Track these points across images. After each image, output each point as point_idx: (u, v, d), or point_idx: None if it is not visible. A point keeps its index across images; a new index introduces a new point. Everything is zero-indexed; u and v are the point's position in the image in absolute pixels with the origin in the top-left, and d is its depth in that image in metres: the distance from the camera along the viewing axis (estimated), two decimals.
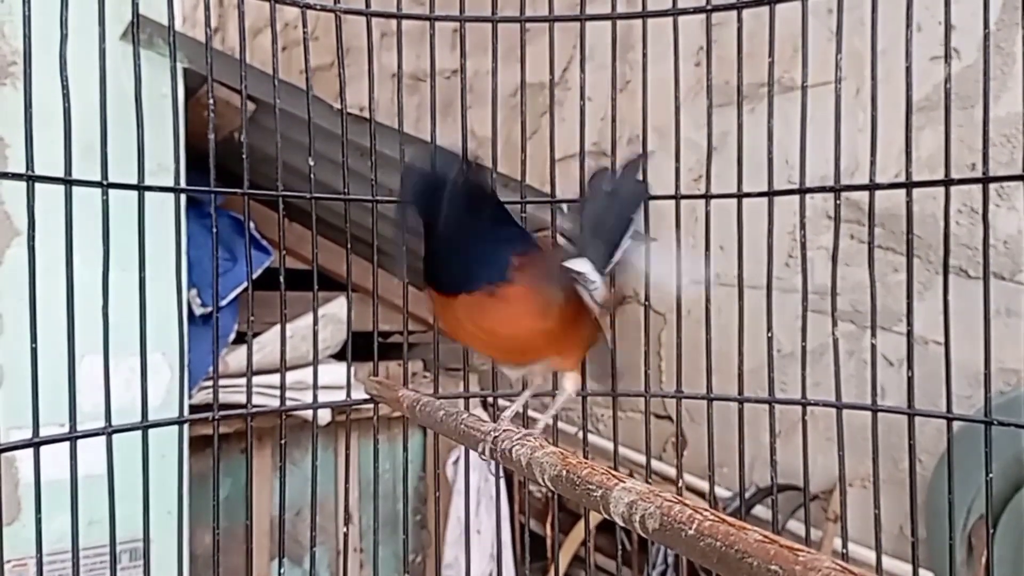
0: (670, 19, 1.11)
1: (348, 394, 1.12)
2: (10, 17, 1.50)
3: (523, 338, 0.79)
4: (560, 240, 1.13)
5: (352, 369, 1.15)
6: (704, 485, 2.05)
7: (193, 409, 1.82)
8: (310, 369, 1.14)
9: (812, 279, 1.08)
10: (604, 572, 2.24)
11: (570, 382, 0.86)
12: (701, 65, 1.14)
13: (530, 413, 1.17)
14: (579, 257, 0.84)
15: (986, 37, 0.93)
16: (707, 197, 1.11)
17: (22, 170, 0.84)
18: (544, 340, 0.80)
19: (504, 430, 0.81)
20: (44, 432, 0.88)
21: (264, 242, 2.11)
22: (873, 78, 1.00)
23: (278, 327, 1.10)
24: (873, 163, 1.00)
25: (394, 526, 2.21)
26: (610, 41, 1.12)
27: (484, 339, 0.81)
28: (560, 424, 1.15)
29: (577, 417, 2.36)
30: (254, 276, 1.12)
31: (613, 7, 1.13)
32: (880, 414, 1.02)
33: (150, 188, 0.95)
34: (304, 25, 1.07)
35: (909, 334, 0.99)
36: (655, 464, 1.55)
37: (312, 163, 1.08)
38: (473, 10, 1.13)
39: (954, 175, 0.95)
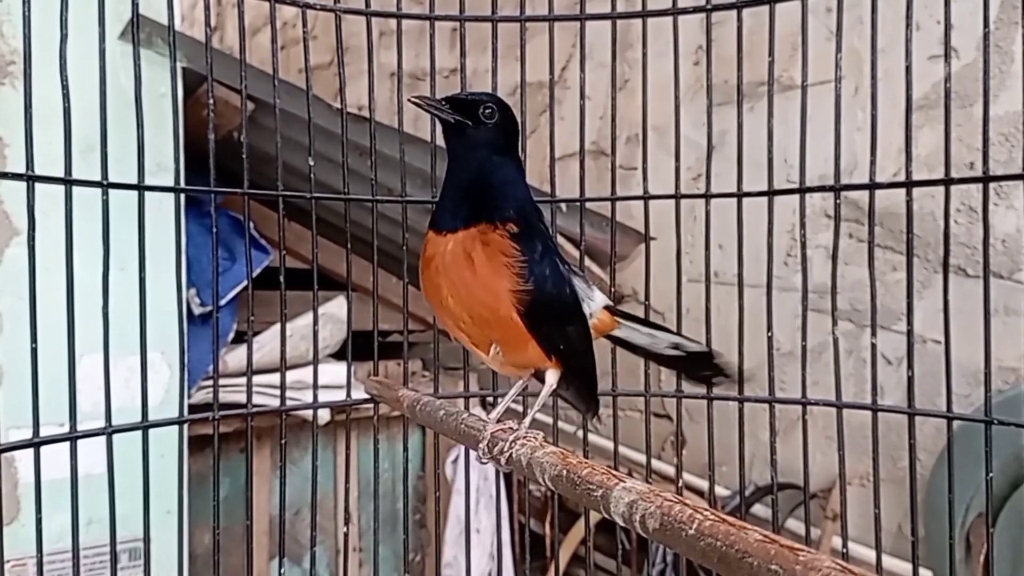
0: (669, 18, 1.11)
1: (348, 394, 1.12)
2: (9, 17, 1.49)
3: (492, 298, 0.78)
4: (560, 239, 1.14)
5: (352, 368, 1.15)
6: (703, 484, 2.06)
7: (192, 409, 1.82)
8: (309, 368, 1.14)
9: (811, 278, 1.08)
10: (603, 571, 2.24)
11: (553, 375, 0.85)
12: (700, 64, 1.15)
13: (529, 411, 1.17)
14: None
15: (986, 36, 0.93)
16: (707, 197, 1.11)
17: (21, 169, 0.84)
18: (509, 306, 0.78)
19: (494, 430, 0.80)
20: (43, 431, 0.88)
21: (263, 241, 2.11)
22: (873, 77, 1.00)
23: (277, 326, 1.10)
24: (873, 162, 1.00)
25: (393, 525, 2.21)
26: (610, 40, 1.12)
27: (457, 293, 0.81)
28: (560, 423, 1.15)
29: (576, 416, 2.36)
30: (253, 275, 1.12)
31: (613, 7, 1.13)
32: (879, 413, 1.02)
33: (150, 188, 0.95)
34: (304, 24, 1.07)
35: (909, 333, 0.99)
36: (654, 463, 1.55)
37: (312, 163, 1.08)
38: (473, 10, 1.13)
39: (953, 174, 0.95)
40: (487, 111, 0.82)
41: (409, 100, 0.85)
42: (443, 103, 0.83)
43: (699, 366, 0.97)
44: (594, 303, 0.87)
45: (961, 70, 1.73)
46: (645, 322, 0.94)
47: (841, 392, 1.05)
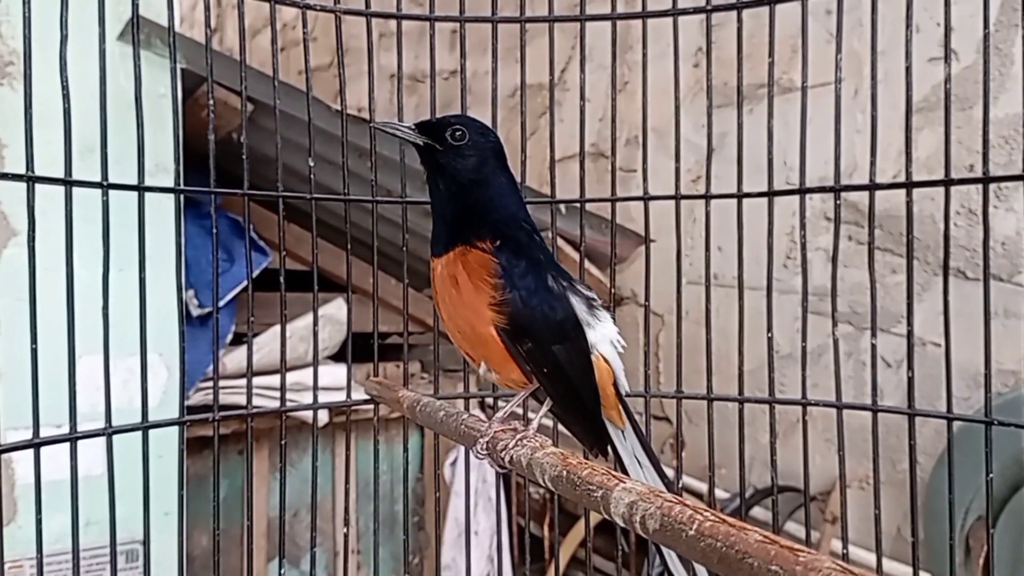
0: (669, 19, 1.11)
1: (348, 395, 1.12)
2: (8, 17, 1.49)
3: (473, 315, 0.78)
4: (560, 242, 1.13)
5: (351, 370, 1.15)
6: (702, 486, 2.05)
7: (189, 411, 1.82)
8: (308, 370, 1.14)
9: (810, 280, 1.08)
10: (603, 573, 2.23)
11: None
12: (700, 66, 1.15)
13: (530, 414, 1.17)
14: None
15: (986, 38, 0.93)
16: (707, 197, 1.11)
17: (21, 170, 0.84)
18: (488, 323, 0.77)
19: (496, 431, 0.80)
20: (42, 433, 0.87)
21: (261, 243, 2.11)
22: (873, 79, 1.00)
23: (276, 328, 1.10)
24: (873, 163, 1.00)
25: (392, 527, 2.21)
26: (610, 41, 1.12)
27: (447, 312, 0.82)
28: (560, 425, 1.15)
29: None
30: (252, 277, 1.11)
31: (613, 7, 1.13)
32: (879, 415, 1.02)
33: (150, 189, 0.94)
34: (304, 26, 1.07)
35: (909, 335, 0.98)
36: None
37: (312, 164, 1.08)
38: (473, 10, 1.13)
39: (953, 176, 0.95)
40: (457, 133, 0.83)
41: (373, 125, 0.85)
42: (412, 128, 0.83)
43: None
44: (599, 330, 0.82)
45: (961, 72, 1.73)
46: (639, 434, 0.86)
47: (841, 394, 1.05)
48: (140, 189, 0.93)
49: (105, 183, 0.90)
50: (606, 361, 0.83)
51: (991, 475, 0.92)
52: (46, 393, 0.88)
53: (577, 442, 0.93)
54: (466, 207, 0.82)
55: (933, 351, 1.80)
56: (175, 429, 1.03)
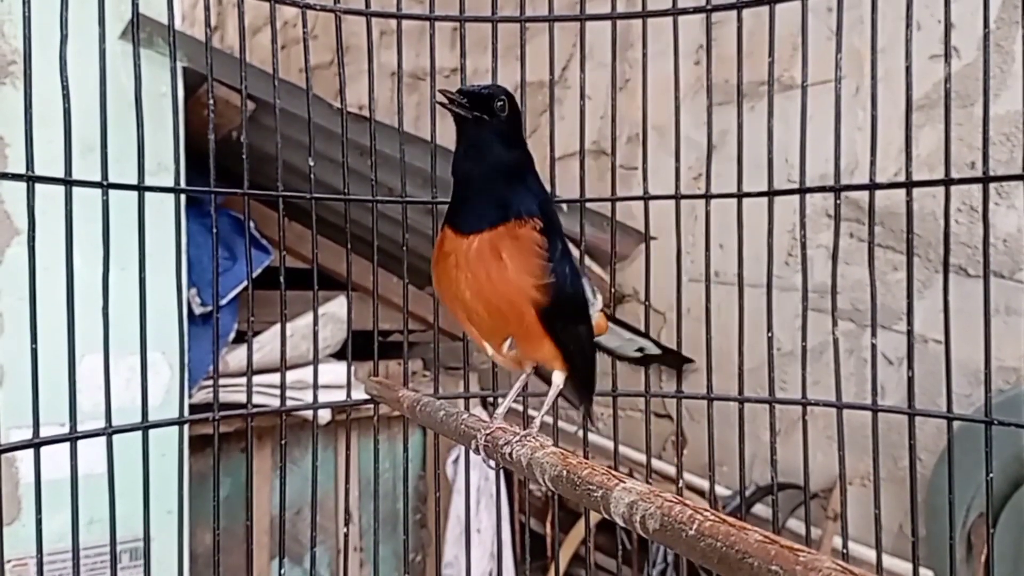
0: (670, 18, 1.10)
1: (348, 394, 1.12)
2: (10, 16, 1.49)
3: (514, 292, 0.78)
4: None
5: (352, 368, 1.15)
6: (703, 483, 2.06)
7: (193, 408, 1.82)
8: (310, 368, 1.14)
9: (811, 278, 1.08)
10: (604, 571, 2.24)
11: (559, 376, 0.85)
12: (700, 64, 1.15)
13: (530, 412, 1.17)
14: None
15: (986, 36, 0.93)
16: (707, 197, 1.11)
17: (22, 170, 0.84)
18: (529, 302, 0.78)
19: (497, 428, 0.80)
20: (44, 432, 0.88)
21: (264, 241, 2.11)
22: (873, 77, 1.00)
23: (277, 326, 1.10)
24: (873, 162, 1.00)
25: (394, 525, 2.21)
26: (610, 40, 1.12)
27: (478, 287, 0.80)
28: (560, 423, 1.15)
29: (577, 416, 2.36)
30: (253, 275, 1.12)
31: (613, 7, 1.13)
32: (880, 413, 1.02)
33: (150, 188, 0.94)
34: (304, 24, 1.07)
35: (910, 333, 0.98)
36: (654, 463, 1.55)
37: (312, 163, 1.08)
38: (473, 10, 1.13)
39: (954, 174, 0.95)
40: (499, 104, 0.81)
41: (440, 92, 0.83)
42: (460, 97, 0.80)
43: (657, 359, 1.07)
44: (595, 305, 0.89)
45: (962, 70, 1.73)
46: (626, 325, 0.99)
47: (841, 392, 1.05)
48: (140, 189, 0.93)
49: (105, 183, 0.90)
50: (602, 313, 0.93)
51: (991, 474, 0.92)
52: (49, 392, 0.88)
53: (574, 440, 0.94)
54: (510, 180, 0.81)
55: (934, 348, 1.80)
56: (178, 427, 1.03)
